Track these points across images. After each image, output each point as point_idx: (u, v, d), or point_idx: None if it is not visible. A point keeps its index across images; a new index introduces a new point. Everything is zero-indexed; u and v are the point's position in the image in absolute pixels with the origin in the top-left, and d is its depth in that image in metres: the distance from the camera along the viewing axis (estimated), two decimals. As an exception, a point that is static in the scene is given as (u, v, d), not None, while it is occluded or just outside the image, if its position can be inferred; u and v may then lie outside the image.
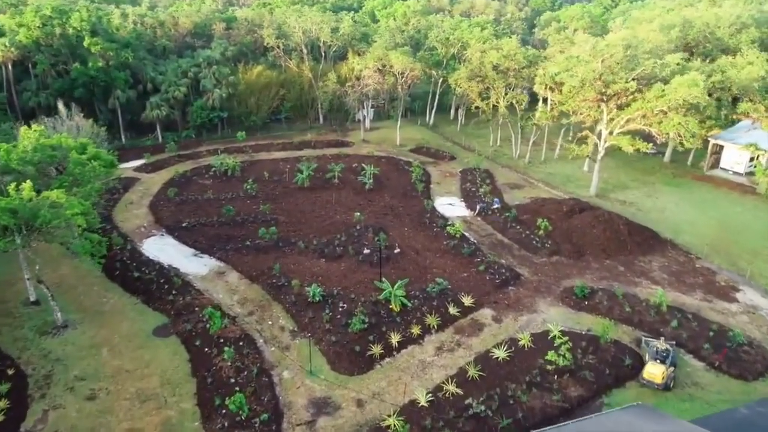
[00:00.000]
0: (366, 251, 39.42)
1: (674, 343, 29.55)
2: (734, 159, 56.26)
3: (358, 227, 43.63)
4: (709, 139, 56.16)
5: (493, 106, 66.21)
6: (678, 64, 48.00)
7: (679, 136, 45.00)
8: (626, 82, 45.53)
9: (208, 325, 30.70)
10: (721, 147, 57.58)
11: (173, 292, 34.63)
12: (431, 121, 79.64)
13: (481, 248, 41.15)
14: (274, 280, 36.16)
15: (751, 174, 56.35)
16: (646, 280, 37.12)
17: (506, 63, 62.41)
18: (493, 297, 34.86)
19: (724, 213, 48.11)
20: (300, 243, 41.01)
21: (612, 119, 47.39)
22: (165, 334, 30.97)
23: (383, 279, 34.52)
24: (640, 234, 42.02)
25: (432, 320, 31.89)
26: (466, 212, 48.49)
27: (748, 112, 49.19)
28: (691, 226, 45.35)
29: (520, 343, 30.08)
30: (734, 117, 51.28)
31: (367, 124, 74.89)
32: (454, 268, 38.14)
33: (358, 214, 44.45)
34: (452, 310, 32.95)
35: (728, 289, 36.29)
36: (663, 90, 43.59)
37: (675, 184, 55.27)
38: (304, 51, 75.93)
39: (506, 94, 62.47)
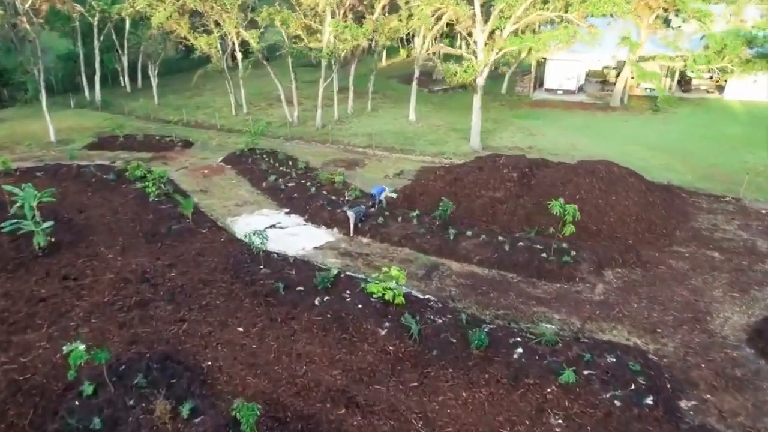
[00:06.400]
0: None
1: None
2: (562, 75, 44.35)
3: (87, 389, 12.19)
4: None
5: (231, 49, 38.41)
6: None
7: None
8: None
9: None
10: (539, 64, 45.05)
11: None
12: (98, 99, 45.29)
13: (462, 313, 15.80)
14: None
15: (580, 90, 45.66)
16: (779, 265, 18.94)
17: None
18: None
19: (634, 136, 34.48)
20: None
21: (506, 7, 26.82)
22: None
23: None
24: (650, 188, 23.70)
25: None
26: (323, 234, 21.46)
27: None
28: (643, 161, 29.65)
29: None
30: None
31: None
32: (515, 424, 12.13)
33: (79, 346, 12.32)
34: None
35: None
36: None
37: (524, 116, 39.68)
38: None
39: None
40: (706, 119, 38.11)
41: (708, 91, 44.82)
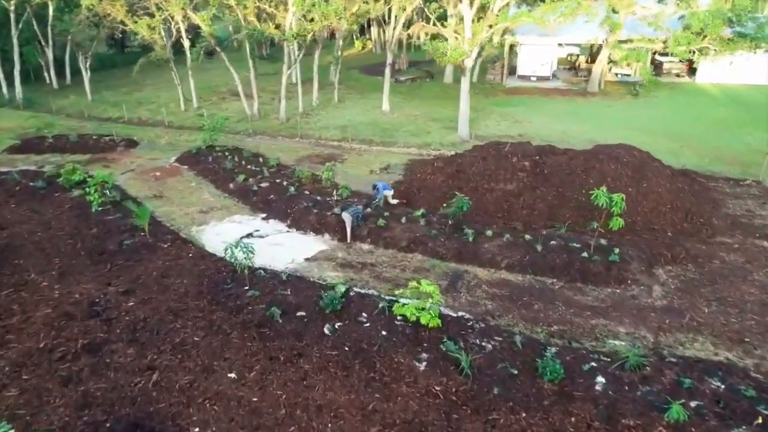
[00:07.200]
0: None
1: None
2: (536, 61, 42.19)
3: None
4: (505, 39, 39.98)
5: (177, 35, 33.85)
6: None
7: None
8: None
9: None
10: (511, 49, 42.79)
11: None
12: (20, 97, 39.36)
13: (514, 334, 12.79)
14: None
15: (554, 76, 43.71)
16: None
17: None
18: None
19: (623, 120, 32.58)
20: None
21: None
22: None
23: None
24: (674, 173, 21.43)
25: None
26: (313, 242, 17.85)
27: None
28: (645, 145, 27.25)
29: None
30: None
31: None
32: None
33: (7, 430, 8.38)
34: None
35: None
36: None
37: (503, 103, 37.24)
38: None
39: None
40: (687, 102, 36.91)
41: (678, 75, 44.03)
